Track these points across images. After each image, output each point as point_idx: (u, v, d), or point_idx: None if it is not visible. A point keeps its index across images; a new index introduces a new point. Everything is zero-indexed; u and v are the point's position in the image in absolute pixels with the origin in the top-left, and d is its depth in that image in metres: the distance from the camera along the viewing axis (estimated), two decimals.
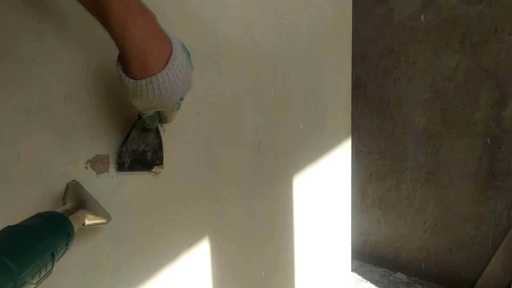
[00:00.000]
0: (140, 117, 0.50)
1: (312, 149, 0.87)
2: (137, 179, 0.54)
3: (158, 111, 0.47)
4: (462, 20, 1.57)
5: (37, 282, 0.32)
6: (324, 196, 0.92)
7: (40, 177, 0.44)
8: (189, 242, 0.62)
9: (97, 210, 0.45)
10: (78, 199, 0.43)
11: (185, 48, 0.44)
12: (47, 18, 0.44)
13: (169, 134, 0.57)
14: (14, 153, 0.42)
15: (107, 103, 0.50)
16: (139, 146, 0.52)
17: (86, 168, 0.49)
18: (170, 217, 0.59)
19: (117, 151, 0.51)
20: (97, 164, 0.50)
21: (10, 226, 0.32)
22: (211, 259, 0.65)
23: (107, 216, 0.46)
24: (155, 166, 0.54)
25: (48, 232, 0.34)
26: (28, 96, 0.43)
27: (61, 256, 0.37)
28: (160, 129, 0.54)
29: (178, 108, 0.45)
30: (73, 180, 0.46)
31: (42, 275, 0.32)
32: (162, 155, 0.54)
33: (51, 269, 0.34)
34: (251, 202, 0.73)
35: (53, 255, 0.34)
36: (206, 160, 0.63)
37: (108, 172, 0.51)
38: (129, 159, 0.51)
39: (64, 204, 0.42)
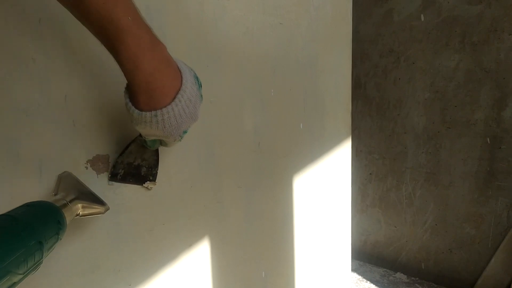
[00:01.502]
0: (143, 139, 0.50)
1: (312, 149, 0.87)
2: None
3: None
4: (462, 20, 1.57)
5: (25, 272, 0.30)
6: (324, 196, 0.92)
7: (40, 177, 0.44)
8: (189, 242, 0.62)
9: (92, 200, 0.44)
10: (70, 190, 0.42)
11: (197, 78, 0.44)
12: (47, 18, 0.44)
13: None
14: (14, 152, 0.42)
15: (107, 103, 0.50)
16: (135, 159, 0.52)
17: (86, 168, 0.49)
18: (170, 217, 0.59)
19: (112, 161, 0.51)
20: (97, 164, 0.50)
21: None
22: (211, 259, 0.65)
23: (103, 205, 0.45)
24: (147, 182, 0.53)
25: (34, 220, 0.33)
26: (28, 96, 0.43)
27: (53, 245, 0.35)
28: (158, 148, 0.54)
29: (180, 139, 0.45)
30: (65, 171, 0.45)
31: (29, 265, 0.31)
32: (156, 172, 0.54)
33: (41, 259, 0.32)
34: (251, 202, 0.73)
35: (41, 243, 0.32)
36: (206, 160, 0.63)
37: (108, 172, 0.51)
38: (122, 171, 0.51)
39: (55, 195, 0.41)
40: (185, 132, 0.44)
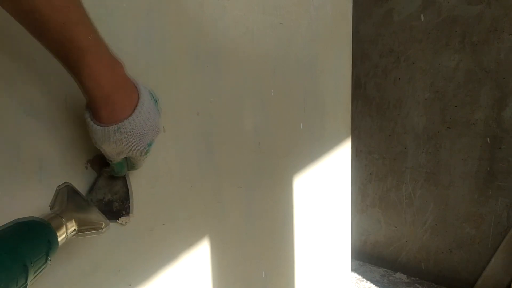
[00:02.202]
0: (107, 165, 0.48)
1: (312, 149, 0.87)
2: (137, 179, 0.54)
3: (126, 158, 0.46)
4: (462, 20, 1.57)
5: None
6: (324, 196, 0.92)
7: (40, 177, 0.44)
8: (189, 242, 0.62)
9: (91, 217, 0.41)
10: (67, 203, 0.40)
11: (153, 94, 0.46)
12: None
13: (169, 134, 0.57)
14: (14, 153, 0.42)
15: None
16: (105, 195, 0.50)
17: (86, 168, 0.49)
18: (170, 217, 0.59)
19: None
20: (97, 163, 0.50)
21: None
22: (211, 259, 0.65)
23: (103, 223, 0.42)
24: (121, 217, 0.51)
25: (20, 241, 0.30)
26: (28, 96, 0.43)
27: (41, 267, 0.32)
28: (128, 177, 0.52)
29: (146, 153, 0.45)
30: (64, 182, 0.42)
31: None
32: (129, 205, 0.52)
33: (25, 283, 0.30)
34: (251, 202, 0.73)
35: (25, 266, 0.29)
36: (206, 160, 0.63)
37: None
38: None
39: (51, 208, 0.40)
40: (150, 144, 0.45)
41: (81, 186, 0.48)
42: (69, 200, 0.40)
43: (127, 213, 0.52)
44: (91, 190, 0.49)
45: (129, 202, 0.52)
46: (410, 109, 1.78)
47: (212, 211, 0.65)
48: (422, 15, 1.69)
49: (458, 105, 1.62)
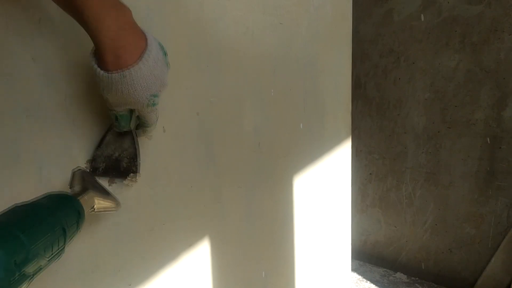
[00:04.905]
0: (115, 120, 0.47)
1: (312, 149, 0.87)
2: (137, 179, 0.54)
3: (132, 112, 0.46)
4: (462, 20, 1.57)
5: (50, 256, 0.32)
6: (324, 196, 0.92)
7: (40, 177, 0.44)
8: (189, 242, 0.62)
9: (105, 195, 0.44)
10: (85, 184, 0.43)
11: (162, 47, 0.44)
12: (47, 18, 0.44)
13: (169, 134, 0.57)
14: (14, 153, 0.42)
15: None
16: (114, 151, 0.49)
17: (86, 168, 0.49)
18: (170, 217, 0.59)
19: (91, 155, 0.49)
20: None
21: (18, 203, 0.34)
22: (211, 259, 0.65)
23: (116, 202, 0.45)
24: (131, 174, 0.50)
25: (58, 209, 0.35)
26: (28, 96, 0.43)
27: (73, 235, 0.37)
28: (135, 136, 0.51)
29: (153, 104, 0.44)
30: (78, 166, 0.46)
31: (54, 249, 0.32)
32: (138, 163, 0.51)
33: (64, 245, 0.34)
34: (251, 202, 0.73)
35: (64, 230, 0.34)
36: (206, 160, 0.63)
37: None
38: (103, 164, 0.49)
39: (71, 188, 0.43)
40: (155, 96, 0.43)
41: None
42: (86, 181, 0.44)
43: (136, 171, 0.51)
44: (99, 145, 0.48)
45: (137, 161, 0.50)
46: (410, 109, 1.77)
47: (212, 211, 0.65)
48: (422, 15, 1.69)
49: (458, 105, 1.62)
